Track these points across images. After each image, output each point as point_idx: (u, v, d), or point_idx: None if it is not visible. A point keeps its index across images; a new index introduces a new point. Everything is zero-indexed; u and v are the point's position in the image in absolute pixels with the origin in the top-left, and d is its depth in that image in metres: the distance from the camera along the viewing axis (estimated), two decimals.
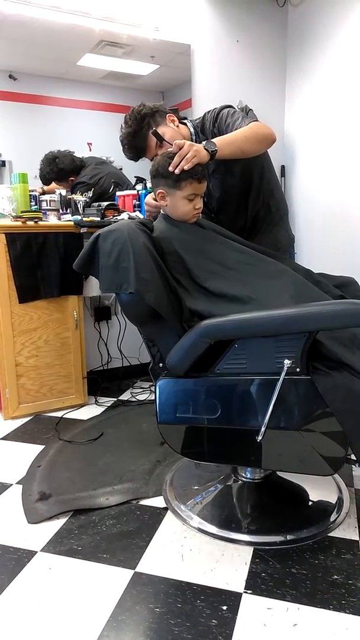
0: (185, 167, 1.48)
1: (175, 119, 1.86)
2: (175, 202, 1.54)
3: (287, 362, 1.28)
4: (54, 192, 2.64)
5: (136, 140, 1.84)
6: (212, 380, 1.40)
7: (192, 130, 1.89)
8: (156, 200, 1.61)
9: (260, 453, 1.41)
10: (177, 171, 1.48)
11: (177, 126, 1.85)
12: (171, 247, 1.48)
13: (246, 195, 1.92)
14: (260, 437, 1.31)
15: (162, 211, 1.63)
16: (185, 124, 1.91)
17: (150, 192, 2.49)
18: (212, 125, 1.84)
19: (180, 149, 1.49)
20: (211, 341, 1.34)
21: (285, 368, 1.28)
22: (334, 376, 1.29)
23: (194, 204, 1.54)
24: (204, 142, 1.57)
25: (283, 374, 1.28)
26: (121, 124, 1.85)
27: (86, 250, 1.49)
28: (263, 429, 1.31)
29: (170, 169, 1.49)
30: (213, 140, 1.60)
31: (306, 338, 1.28)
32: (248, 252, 1.58)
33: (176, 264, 1.46)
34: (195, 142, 1.74)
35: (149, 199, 1.78)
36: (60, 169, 2.74)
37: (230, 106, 1.87)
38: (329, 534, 1.52)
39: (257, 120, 1.75)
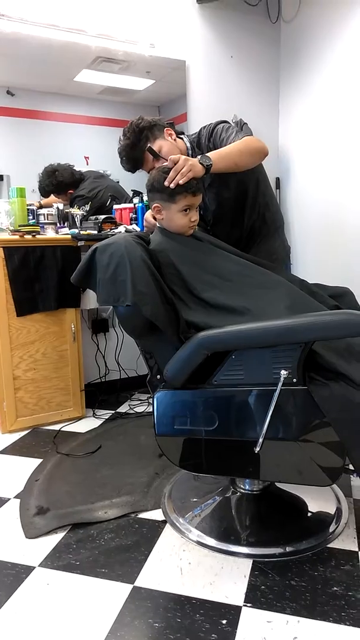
0: (181, 182, 1.50)
1: (173, 132, 1.89)
2: (171, 215, 1.56)
3: (283, 372, 1.29)
4: (51, 206, 2.66)
5: (134, 153, 1.87)
6: (210, 391, 1.41)
7: (188, 145, 1.92)
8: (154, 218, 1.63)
9: (259, 464, 1.41)
10: (172, 185, 1.51)
11: (175, 140, 1.88)
12: (168, 259, 1.48)
13: (242, 207, 1.95)
14: (258, 449, 1.31)
15: (157, 224, 1.64)
16: (182, 138, 1.94)
17: (147, 206, 2.53)
18: (207, 140, 1.87)
19: (175, 164, 1.51)
20: (208, 352, 1.34)
21: (282, 379, 1.28)
22: (330, 386, 1.29)
23: (190, 217, 1.56)
24: (199, 157, 1.60)
25: (280, 384, 1.28)
26: (120, 136, 1.88)
27: (83, 264, 1.50)
28: (261, 440, 1.30)
29: (166, 183, 1.51)
30: (208, 154, 1.63)
31: (302, 349, 1.28)
32: (244, 264, 1.59)
33: (173, 276, 1.47)
34: (192, 156, 1.76)
35: (149, 215, 1.80)
36: (59, 181, 2.76)
37: (225, 121, 1.90)
38: (328, 545, 1.51)
39: (251, 135, 1.78)
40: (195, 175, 1.54)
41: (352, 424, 1.28)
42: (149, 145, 1.82)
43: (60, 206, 2.73)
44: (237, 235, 1.98)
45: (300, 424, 1.36)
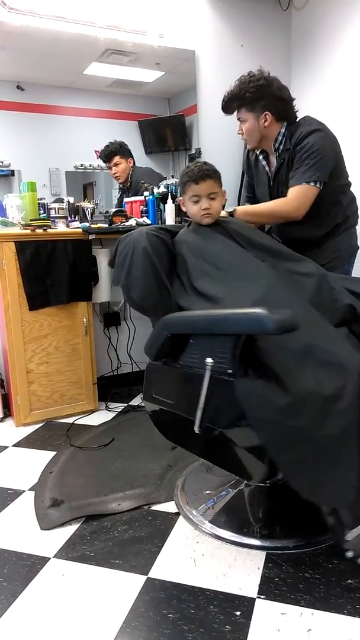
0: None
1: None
2: (186, 205, 1.70)
3: (209, 360, 1.30)
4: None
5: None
6: (173, 369, 1.48)
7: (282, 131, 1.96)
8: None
9: (203, 445, 1.48)
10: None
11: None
12: (181, 249, 1.63)
13: (316, 213, 1.97)
14: (196, 429, 1.34)
15: None
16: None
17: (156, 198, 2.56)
18: (295, 146, 1.90)
19: None
20: (168, 334, 1.44)
21: (208, 366, 1.30)
22: (256, 384, 1.25)
23: (200, 205, 1.64)
24: (227, 207, 1.86)
25: (207, 372, 1.30)
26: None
27: (113, 251, 1.70)
28: (197, 422, 1.33)
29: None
30: (237, 208, 1.90)
31: (234, 340, 1.26)
32: (241, 255, 1.59)
33: (181, 264, 1.61)
34: (282, 143, 1.94)
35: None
36: (125, 145, 2.94)
37: (318, 132, 1.88)
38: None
39: (315, 183, 1.84)
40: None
41: (271, 426, 1.23)
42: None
43: (71, 200, 2.74)
44: (317, 233, 2.00)
45: (226, 415, 1.34)
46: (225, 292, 1.47)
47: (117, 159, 2.94)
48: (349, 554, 1.27)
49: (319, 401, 1.19)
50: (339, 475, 1.18)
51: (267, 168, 2.05)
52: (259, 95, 1.87)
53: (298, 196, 1.85)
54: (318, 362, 1.23)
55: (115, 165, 2.95)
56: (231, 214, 1.85)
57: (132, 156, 2.98)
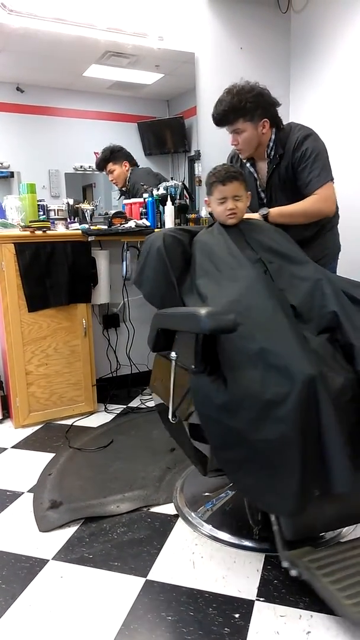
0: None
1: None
2: (212, 206, 1.75)
3: (173, 354, 1.44)
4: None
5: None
6: (164, 361, 1.58)
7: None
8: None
9: (175, 434, 1.59)
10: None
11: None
12: (195, 249, 1.72)
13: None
14: (170, 417, 1.46)
15: None
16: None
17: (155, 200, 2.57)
18: (294, 152, 1.92)
19: None
20: (157, 328, 1.52)
21: (172, 359, 1.43)
22: (205, 380, 1.30)
23: (226, 206, 1.70)
24: (261, 210, 1.90)
25: (172, 364, 1.43)
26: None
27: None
28: (170, 411, 1.46)
29: None
30: (271, 210, 1.90)
31: (195, 338, 1.32)
32: (239, 257, 1.60)
33: (193, 263, 1.69)
34: (272, 152, 1.97)
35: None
36: (117, 149, 2.94)
37: (313, 136, 1.92)
38: (342, 540, 1.50)
39: (331, 180, 1.90)
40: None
41: (212, 422, 1.28)
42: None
43: (71, 201, 2.74)
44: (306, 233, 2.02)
45: (184, 407, 1.41)
46: (213, 292, 1.54)
47: (110, 166, 2.94)
48: (284, 564, 1.28)
49: (256, 404, 1.19)
50: (280, 483, 1.18)
51: (255, 175, 2.08)
52: (257, 104, 1.88)
53: (327, 195, 1.91)
54: (268, 366, 1.22)
55: (110, 172, 2.96)
56: (265, 216, 1.88)
57: (127, 159, 2.97)
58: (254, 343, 1.27)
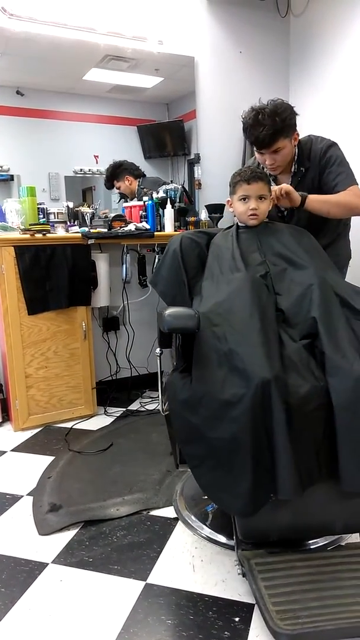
0: (276, 197, 1.78)
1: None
2: (235, 205, 1.76)
3: (157, 350, 1.57)
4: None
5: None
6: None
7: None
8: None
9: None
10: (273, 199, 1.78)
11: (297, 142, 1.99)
12: (210, 251, 1.77)
13: (326, 221, 2.00)
14: (160, 410, 1.55)
15: None
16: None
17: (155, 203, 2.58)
18: (320, 159, 1.94)
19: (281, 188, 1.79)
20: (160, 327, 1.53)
21: (157, 355, 1.56)
22: (178, 376, 1.37)
23: (248, 205, 1.70)
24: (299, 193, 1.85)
25: (158, 361, 1.56)
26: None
27: None
28: (160, 404, 1.57)
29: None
30: (310, 195, 1.85)
31: (174, 337, 1.39)
32: (238, 260, 1.62)
33: (206, 264, 1.74)
34: (296, 162, 1.97)
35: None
36: (119, 165, 2.99)
37: (336, 145, 1.96)
38: (342, 543, 1.50)
39: (356, 184, 1.90)
40: (292, 199, 1.80)
41: (177, 417, 1.35)
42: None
43: (71, 204, 2.74)
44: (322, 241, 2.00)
45: (165, 401, 1.51)
46: (210, 293, 1.59)
47: (115, 183, 3.02)
48: (238, 571, 1.33)
49: (213, 404, 1.23)
50: (233, 482, 1.20)
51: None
52: (292, 119, 1.88)
53: (358, 192, 1.92)
54: (232, 367, 1.25)
55: (117, 188, 3.03)
56: (304, 198, 1.83)
57: (130, 173, 2.99)
58: (225, 344, 1.31)
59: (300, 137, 1.97)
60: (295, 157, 1.96)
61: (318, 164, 1.95)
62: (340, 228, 2.07)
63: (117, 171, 2.98)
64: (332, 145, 1.96)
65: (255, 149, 1.92)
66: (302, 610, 1.14)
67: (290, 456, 1.15)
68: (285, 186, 1.80)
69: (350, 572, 1.28)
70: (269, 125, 1.81)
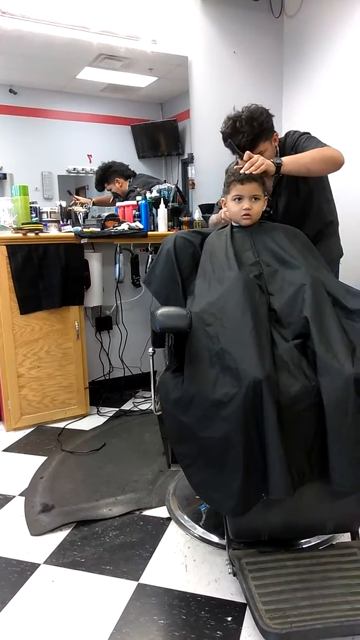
0: (253, 171, 1.68)
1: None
2: (228, 205, 1.75)
3: (150, 350, 1.57)
4: (107, 203, 2.99)
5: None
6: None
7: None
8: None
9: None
10: (242, 171, 1.69)
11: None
12: (204, 250, 1.76)
13: (307, 214, 2.01)
14: (154, 409, 1.53)
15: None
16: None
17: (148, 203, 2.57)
18: (291, 149, 1.94)
19: (251, 158, 1.72)
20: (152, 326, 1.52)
21: (149, 354, 1.57)
22: (170, 376, 1.37)
23: (242, 205, 1.69)
24: (272, 158, 1.78)
25: (151, 359, 1.57)
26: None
27: None
28: (153, 403, 1.56)
29: (236, 167, 1.73)
30: (284, 158, 1.80)
31: (167, 336, 1.39)
32: (230, 259, 1.62)
33: (199, 262, 1.74)
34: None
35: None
36: (108, 167, 2.97)
37: (308, 133, 1.99)
38: (333, 542, 1.51)
39: (328, 146, 1.89)
40: (268, 170, 1.71)
41: (169, 416, 1.35)
42: (229, 141, 1.87)
43: (64, 204, 2.73)
44: (310, 234, 2.00)
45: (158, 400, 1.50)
46: (202, 292, 1.58)
47: (106, 185, 3.02)
48: (229, 570, 1.34)
49: (204, 403, 1.23)
50: (224, 481, 1.20)
51: None
52: (270, 122, 1.89)
53: (329, 147, 1.90)
54: (224, 367, 1.26)
55: (109, 190, 3.03)
56: (279, 164, 1.76)
57: (120, 175, 2.99)
58: (217, 344, 1.32)
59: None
60: (277, 154, 1.96)
61: (295, 151, 1.94)
62: (328, 217, 2.06)
63: (106, 174, 2.98)
64: (305, 133, 1.98)
65: (237, 156, 1.90)
66: (292, 610, 1.15)
67: (281, 456, 1.15)
68: (259, 155, 1.74)
69: (339, 571, 1.28)
70: (247, 131, 1.82)
